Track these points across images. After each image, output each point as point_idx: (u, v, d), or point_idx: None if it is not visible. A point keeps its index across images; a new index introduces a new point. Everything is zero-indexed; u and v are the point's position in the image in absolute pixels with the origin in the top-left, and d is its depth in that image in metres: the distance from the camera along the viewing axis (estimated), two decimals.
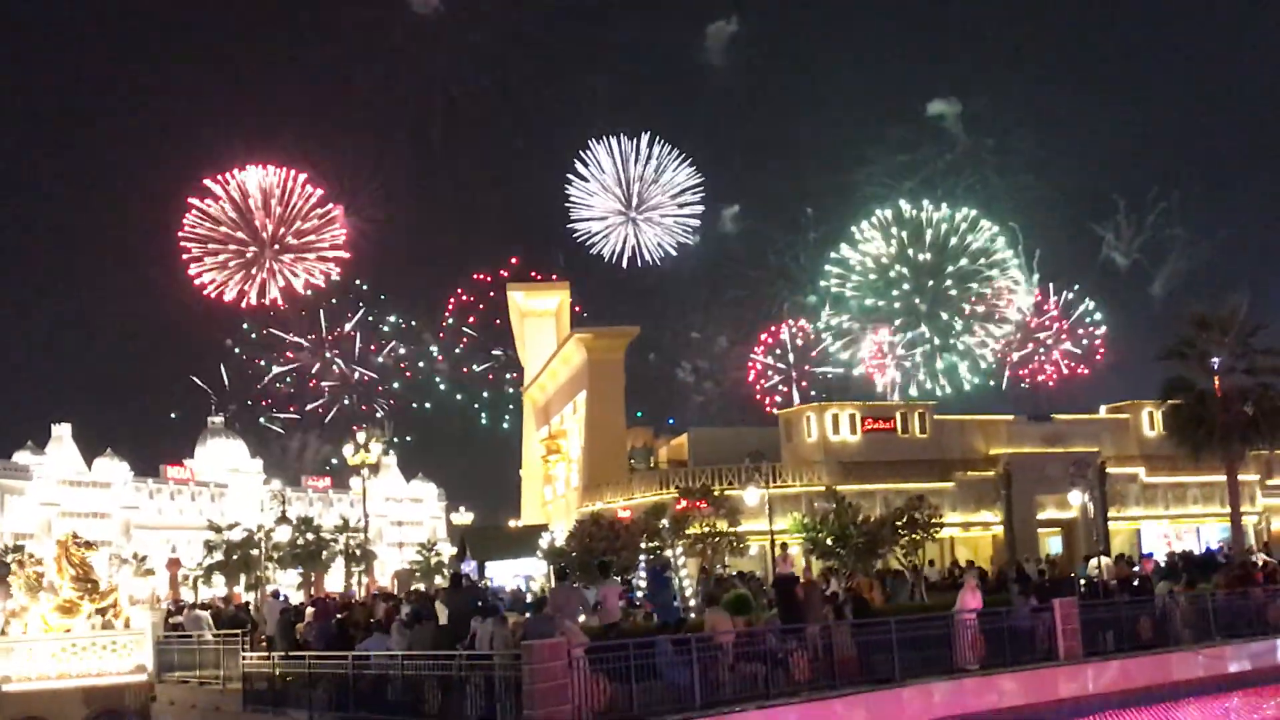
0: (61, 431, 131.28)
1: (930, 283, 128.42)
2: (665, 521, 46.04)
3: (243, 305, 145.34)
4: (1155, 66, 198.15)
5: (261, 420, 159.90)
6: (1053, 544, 68.17)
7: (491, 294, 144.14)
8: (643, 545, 39.90)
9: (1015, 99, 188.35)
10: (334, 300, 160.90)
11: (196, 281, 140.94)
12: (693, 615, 28.71)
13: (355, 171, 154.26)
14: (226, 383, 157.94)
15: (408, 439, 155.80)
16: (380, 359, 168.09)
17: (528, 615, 23.45)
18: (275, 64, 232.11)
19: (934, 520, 52.15)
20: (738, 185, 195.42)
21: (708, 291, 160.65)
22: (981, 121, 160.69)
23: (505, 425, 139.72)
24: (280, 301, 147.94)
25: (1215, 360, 54.22)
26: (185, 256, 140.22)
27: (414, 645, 24.67)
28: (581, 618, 25.21)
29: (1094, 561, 42.37)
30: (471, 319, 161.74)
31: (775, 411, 72.94)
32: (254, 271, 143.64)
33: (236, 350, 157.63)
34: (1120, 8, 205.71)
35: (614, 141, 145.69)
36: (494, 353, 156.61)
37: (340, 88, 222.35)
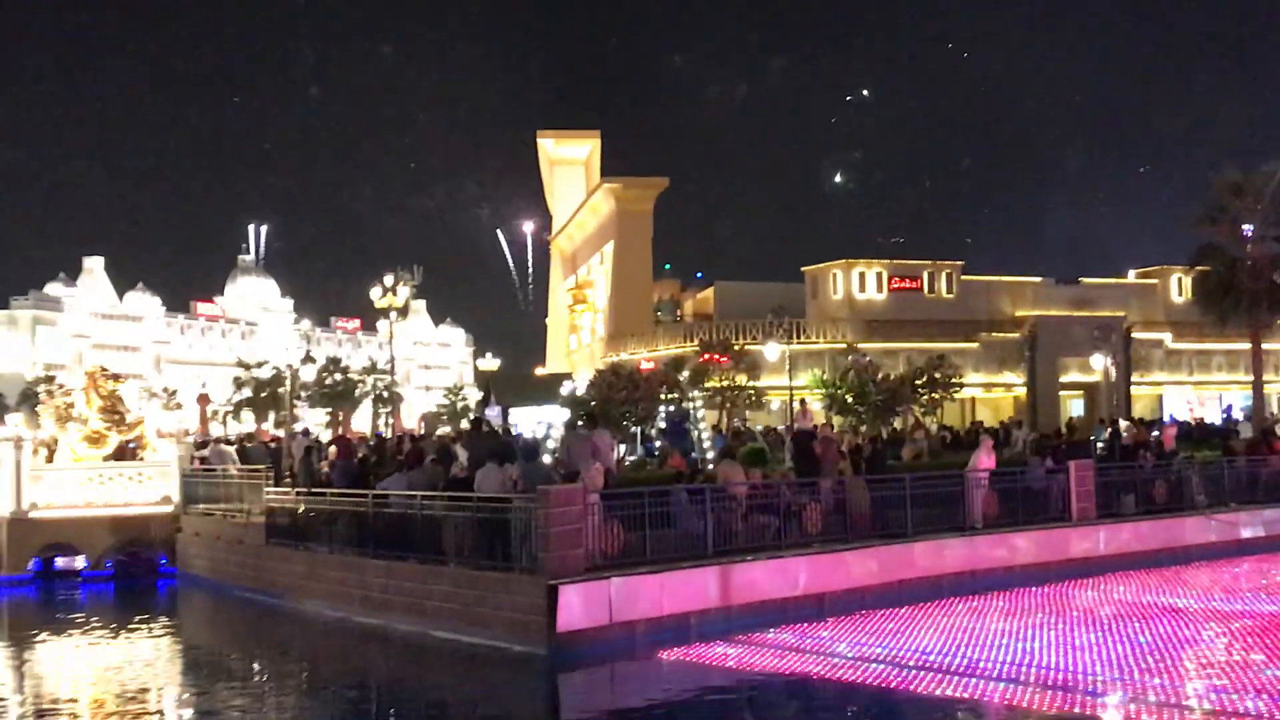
0: (93, 264, 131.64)
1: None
2: (685, 374, 46.12)
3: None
4: None
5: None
6: (1075, 407, 68.40)
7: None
8: (662, 396, 39.99)
9: None
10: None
11: None
12: (709, 467, 28.93)
13: None
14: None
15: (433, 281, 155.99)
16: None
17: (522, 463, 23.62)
18: None
19: (954, 380, 52.26)
20: (786, 36, 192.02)
21: (752, 142, 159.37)
22: None
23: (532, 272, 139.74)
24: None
25: (1247, 227, 53.67)
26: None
27: (415, 486, 25.04)
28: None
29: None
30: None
31: (802, 268, 72.58)
32: None
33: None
34: None
35: None
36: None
37: None
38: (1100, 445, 38.15)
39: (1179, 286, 73.20)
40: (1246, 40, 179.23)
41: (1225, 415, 63.24)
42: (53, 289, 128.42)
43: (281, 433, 50.47)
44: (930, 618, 22.91)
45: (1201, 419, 54.29)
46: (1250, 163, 55.03)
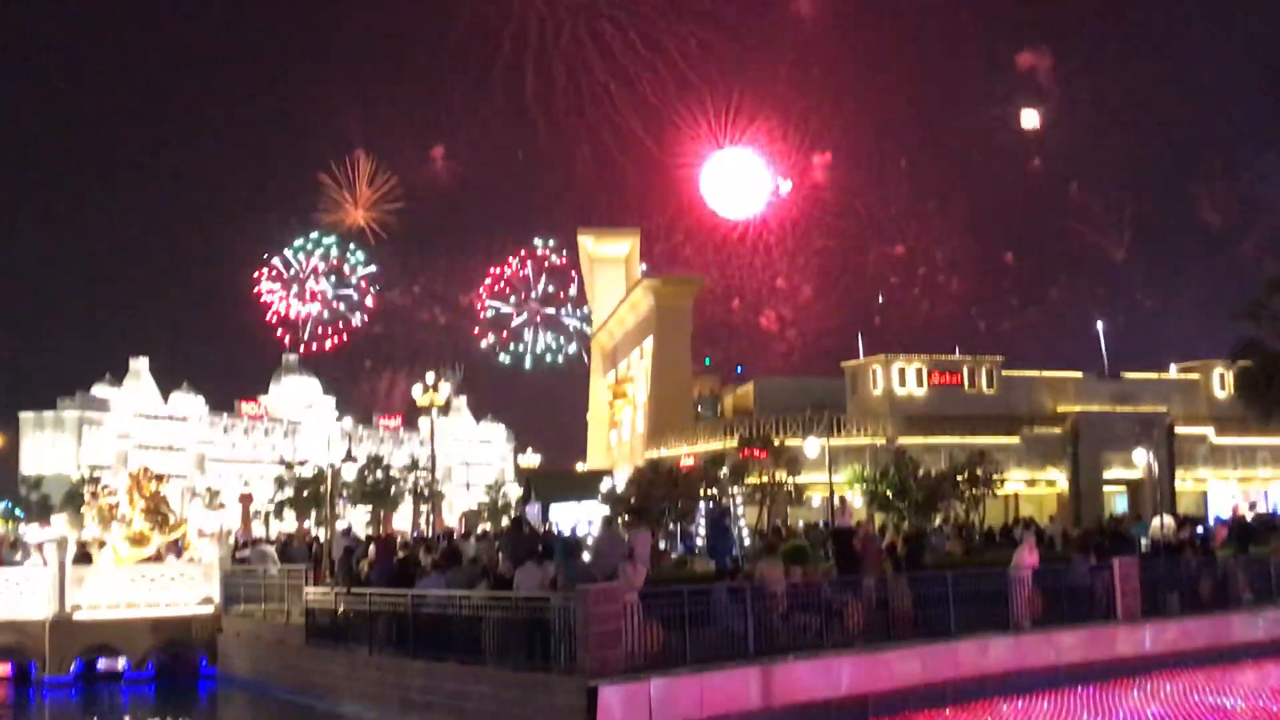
0: (139, 365, 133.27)
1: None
2: (725, 470, 46.17)
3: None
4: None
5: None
6: (1119, 503, 67.76)
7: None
8: (702, 493, 40.03)
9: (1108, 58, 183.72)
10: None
11: None
12: (747, 564, 28.84)
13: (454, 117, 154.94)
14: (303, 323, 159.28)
15: (472, 380, 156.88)
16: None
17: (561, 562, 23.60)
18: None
19: (996, 476, 51.95)
20: (828, 134, 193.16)
21: (795, 240, 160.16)
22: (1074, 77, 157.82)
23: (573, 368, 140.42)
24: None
25: None
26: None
27: (453, 585, 25.07)
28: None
29: (1156, 521, 42.07)
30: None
31: (842, 363, 72.57)
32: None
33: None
34: None
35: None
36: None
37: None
38: (1145, 541, 37.76)
39: (1221, 381, 72.76)
40: None
41: (1273, 512, 62.48)
42: (99, 390, 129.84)
43: (323, 532, 50.60)
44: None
45: (1243, 517, 53.65)
46: None
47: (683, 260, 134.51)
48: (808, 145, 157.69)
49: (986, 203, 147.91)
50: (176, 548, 39.48)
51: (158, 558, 38.58)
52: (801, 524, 47.16)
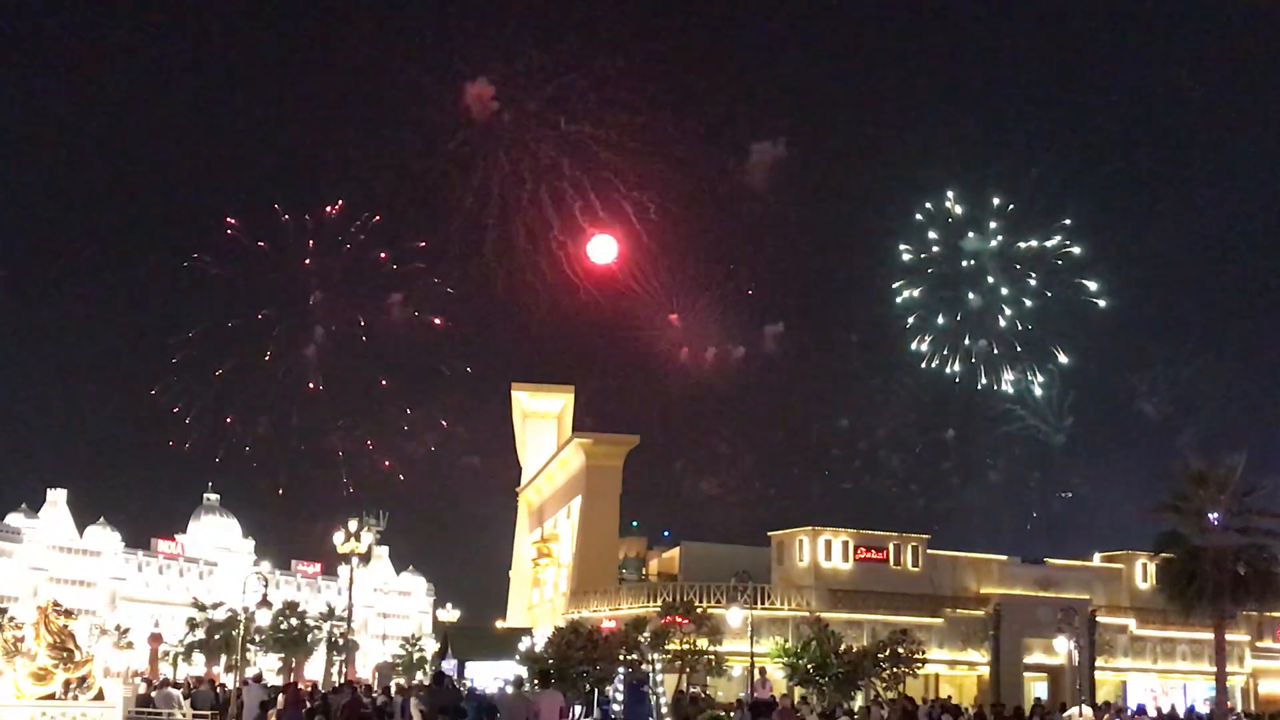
0: (56, 496, 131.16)
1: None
2: (646, 635, 45.71)
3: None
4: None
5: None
6: (1038, 689, 67.59)
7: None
8: (622, 657, 39.54)
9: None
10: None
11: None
12: None
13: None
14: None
15: (394, 528, 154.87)
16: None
17: None
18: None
19: (917, 655, 51.70)
20: (779, 306, 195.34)
21: (741, 407, 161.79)
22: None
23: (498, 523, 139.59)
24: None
25: (1212, 516, 53.99)
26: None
27: None
28: None
29: (1073, 710, 42.03)
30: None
31: (769, 532, 72.55)
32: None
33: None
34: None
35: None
36: None
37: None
38: None
39: (1144, 572, 73.29)
40: (1231, 330, 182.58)
41: (1189, 710, 62.60)
42: (14, 519, 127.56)
43: (232, 678, 49.50)
44: None
45: (1171, 709, 53.83)
46: (1229, 444, 55.78)
47: (625, 419, 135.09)
48: (760, 315, 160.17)
49: (930, 381, 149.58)
50: (81, 686, 38.41)
51: (61, 695, 37.49)
52: (720, 694, 46.85)
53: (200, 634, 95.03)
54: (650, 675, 35.12)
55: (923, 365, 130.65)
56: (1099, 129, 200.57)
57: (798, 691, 49.71)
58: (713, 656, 56.26)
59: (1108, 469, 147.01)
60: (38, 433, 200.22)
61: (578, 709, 33.78)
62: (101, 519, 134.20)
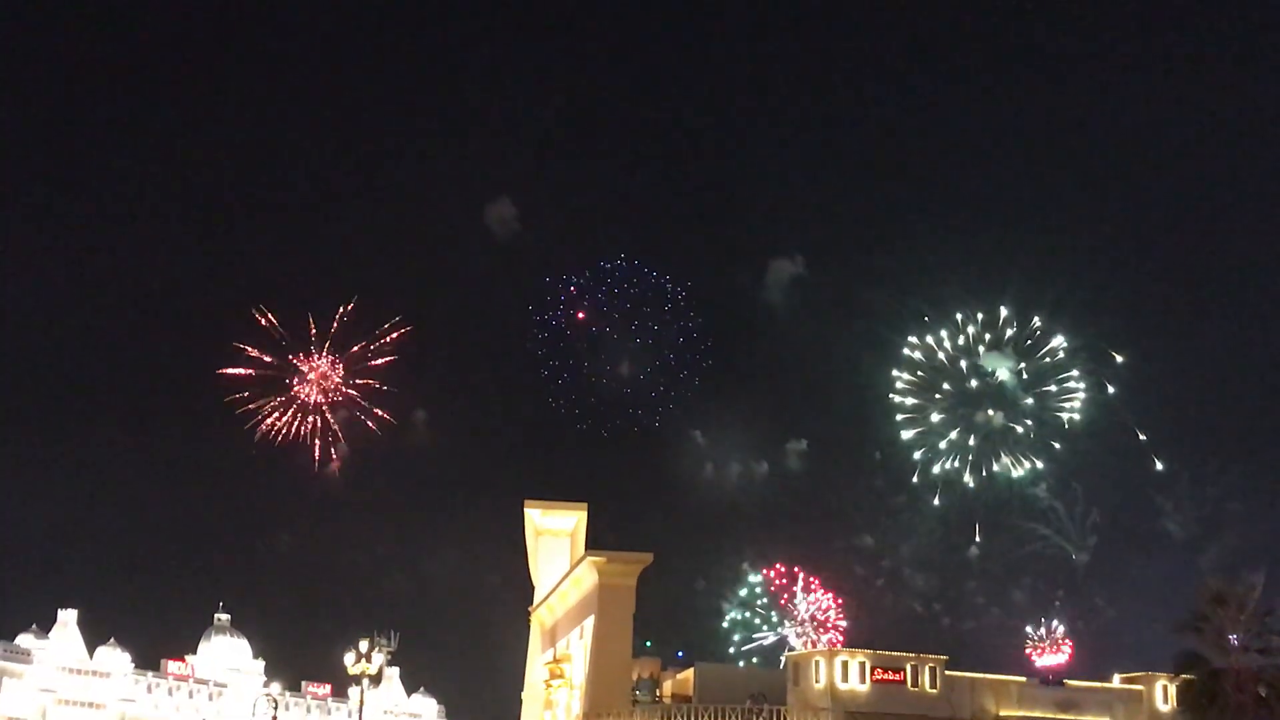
0: (67, 617, 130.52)
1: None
2: None
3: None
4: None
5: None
6: None
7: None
8: None
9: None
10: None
11: None
12: None
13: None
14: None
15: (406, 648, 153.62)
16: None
17: None
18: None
19: None
20: (802, 422, 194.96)
21: (765, 523, 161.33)
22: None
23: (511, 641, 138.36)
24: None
25: (1232, 637, 53.52)
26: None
27: None
28: None
29: None
30: None
31: (784, 654, 71.88)
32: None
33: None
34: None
35: None
36: None
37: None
38: None
39: (1164, 694, 72.26)
40: (1260, 446, 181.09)
41: None
42: (24, 640, 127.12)
43: None
44: None
45: None
46: (1250, 563, 55.44)
47: (640, 537, 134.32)
48: (782, 431, 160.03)
49: (953, 500, 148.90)
50: None
51: None
52: None
53: None
54: None
55: (941, 484, 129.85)
56: (1121, 243, 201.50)
57: None
58: None
59: (1131, 587, 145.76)
60: (50, 553, 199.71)
61: None
62: (112, 639, 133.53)
